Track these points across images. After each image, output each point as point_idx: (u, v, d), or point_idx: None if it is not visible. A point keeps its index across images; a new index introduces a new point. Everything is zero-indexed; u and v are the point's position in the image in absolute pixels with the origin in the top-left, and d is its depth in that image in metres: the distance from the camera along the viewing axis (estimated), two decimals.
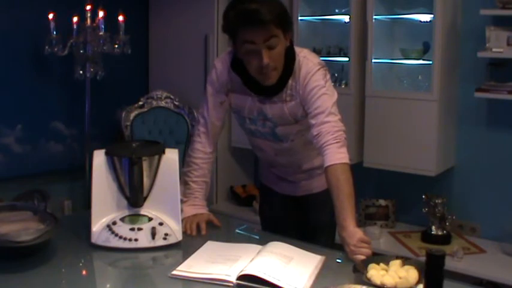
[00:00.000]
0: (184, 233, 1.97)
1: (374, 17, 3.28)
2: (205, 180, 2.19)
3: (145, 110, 3.95)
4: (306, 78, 1.98)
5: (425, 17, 3.27)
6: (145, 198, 1.94)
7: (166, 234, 1.89)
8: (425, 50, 3.30)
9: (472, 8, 3.14)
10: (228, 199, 4.10)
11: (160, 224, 1.90)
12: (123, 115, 3.89)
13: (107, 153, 1.94)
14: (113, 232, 1.86)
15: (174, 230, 1.91)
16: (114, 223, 1.88)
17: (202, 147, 2.18)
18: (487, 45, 3.01)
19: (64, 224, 1.94)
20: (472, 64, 3.22)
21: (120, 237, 1.86)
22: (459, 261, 2.97)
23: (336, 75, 3.59)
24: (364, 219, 3.50)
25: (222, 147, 3.90)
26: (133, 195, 1.92)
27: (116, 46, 3.66)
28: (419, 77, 3.36)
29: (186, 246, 1.89)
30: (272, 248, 1.77)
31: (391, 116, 3.28)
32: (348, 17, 3.42)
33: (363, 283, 1.55)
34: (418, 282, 1.55)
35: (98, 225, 1.88)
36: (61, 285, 1.65)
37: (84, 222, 1.94)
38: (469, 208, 3.35)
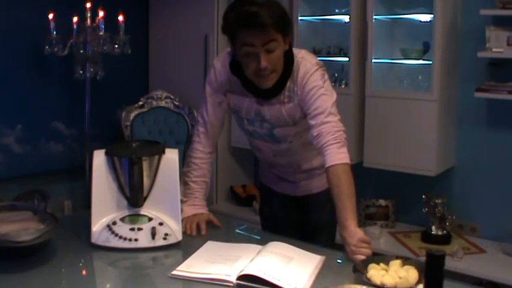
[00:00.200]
0: (184, 233, 1.97)
1: (374, 17, 3.28)
2: (205, 180, 2.19)
3: (145, 110, 3.95)
4: (304, 79, 1.97)
5: (425, 17, 3.27)
6: (145, 198, 1.94)
7: (166, 234, 1.89)
8: (425, 50, 3.30)
9: (472, 8, 3.14)
10: (228, 199, 4.10)
11: (160, 224, 1.90)
12: (123, 115, 3.89)
13: (107, 153, 1.94)
14: (113, 232, 1.86)
15: (174, 230, 1.91)
16: (114, 223, 1.88)
17: (201, 147, 2.18)
18: (487, 45, 3.01)
19: (64, 224, 1.94)
20: (472, 64, 3.22)
21: (120, 237, 1.86)
22: (459, 261, 2.97)
23: (336, 75, 3.59)
24: (364, 219, 3.50)
25: (222, 147, 3.90)
26: (133, 195, 1.92)
27: (116, 46, 3.66)
28: (419, 77, 3.36)
29: (186, 246, 1.89)
30: (272, 248, 1.77)
31: (391, 116, 3.28)
32: (348, 17, 3.42)
33: (363, 283, 1.55)
34: (418, 282, 1.55)
35: (98, 225, 1.88)
36: (61, 285, 1.65)
37: (84, 222, 1.94)
38: (469, 208, 3.35)
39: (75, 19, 3.55)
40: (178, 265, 1.71)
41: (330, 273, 1.70)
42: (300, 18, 3.56)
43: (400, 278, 1.56)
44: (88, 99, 3.79)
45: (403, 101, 3.25)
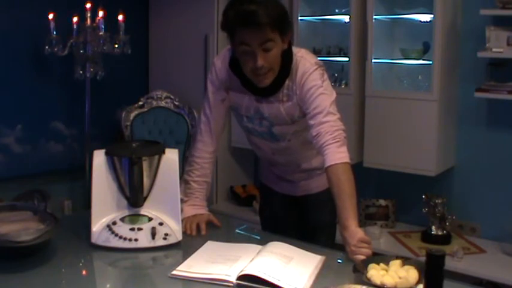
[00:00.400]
0: (184, 233, 1.97)
1: (374, 17, 3.28)
2: (206, 180, 2.19)
3: (145, 110, 3.95)
4: (303, 78, 1.97)
5: (425, 17, 3.27)
6: (145, 198, 1.94)
7: (166, 234, 1.89)
8: (425, 50, 3.30)
9: (472, 8, 3.14)
10: (228, 199, 4.10)
11: (160, 224, 1.90)
12: (123, 115, 3.89)
13: (107, 153, 1.94)
14: (113, 232, 1.86)
15: (174, 230, 1.91)
16: (114, 223, 1.88)
17: (204, 147, 2.17)
18: (487, 45, 3.01)
19: (64, 224, 1.94)
20: (472, 64, 3.22)
21: (120, 237, 1.86)
22: (459, 261, 2.97)
23: (336, 75, 3.59)
24: (364, 219, 3.50)
25: (222, 147, 3.90)
26: (133, 195, 1.92)
27: (116, 46, 3.66)
28: (419, 77, 3.36)
29: (186, 246, 1.89)
30: (272, 248, 1.77)
31: (391, 116, 3.28)
32: (348, 17, 3.42)
33: (363, 283, 1.55)
34: (418, 282, 1.55)
35: (98, 225, 1.88)
36: (61, 285, 1.65)
37: (84, 222, 1.94)
38: (469, 208, 3.35)
39: (75, 19, 3.55)
40: (178, 265, 1.71)
41: (330, 273, 1.70)
42: (300, 18, 3.57)
43: (400, 278, 1.56)
44: (88, 99, 3.79)
45: (403, 101, 3.25)
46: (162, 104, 3.97)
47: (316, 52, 3.51)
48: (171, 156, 1.97)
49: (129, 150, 1.93)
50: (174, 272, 1.66)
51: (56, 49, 3.52)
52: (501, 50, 2.97)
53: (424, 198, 3.26)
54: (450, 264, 2.87)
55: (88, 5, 3.57)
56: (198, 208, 2.14)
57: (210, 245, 1.90)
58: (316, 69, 1.98)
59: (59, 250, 1.82)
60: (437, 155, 3.19)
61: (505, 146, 3.22)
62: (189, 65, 4.02)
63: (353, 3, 3.35)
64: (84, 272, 1.77)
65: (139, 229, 1.88)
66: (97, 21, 3.57)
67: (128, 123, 3.90)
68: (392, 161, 3.31)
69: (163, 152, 1.97)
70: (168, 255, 1.86)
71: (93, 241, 1.86)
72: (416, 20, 3.35)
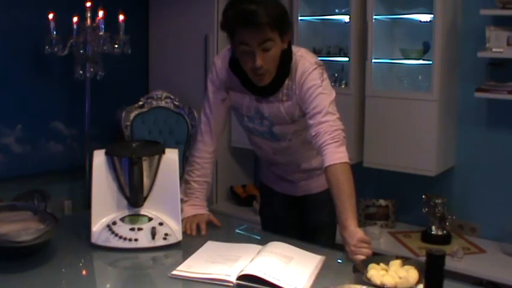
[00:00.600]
0: (184, 233, 1.97)
1: (374, 17, 3.28)
2: (206, 180, 2.19)
3: (145, 110, 3.95)
4: (303, 77, 1.97)
5: (425, 17, 3.27)
6: (145, 198, 1.94)
7: (166, 234, 1.89)
8: (425, 50, 3.30)
9: (472, 8, 3.14)
10: (228, 199, 4.10)
11: (160, 224, 1.90)
12: (123, 115, 3.89)
13: (107, 153, 1.94)
14: (113, 232, 1.86)
15: (174, 230, 1.91)
16: (114, 223, 1.88)
17: (204, 147, 2.17)
18: (487, 45, 3.01)
19: (64, 224, 1.94)
20: (472, 64, 3.22)
21: (120, 237, 1.86)
22: (459, 261, 2.97)
23: (336, 75, 3.59)
24: (364, 219, 3.49)
25: (222, 147, 3.89)
26: (133, 195, 1.92)
27: (116, 46, 3.66)
28: (419, 77, 3.36)
29: (186, 246, 1.89)
30: (272, 248, 1.77)
31: (391, 116, 3.28)
32: (348, 17, 3.42)
33: (363, 283, 1.55)
34: (418, 282, 1.55)
35: (98, 225, 1.88)
36: (61, 285, 1.65)
37: (84, 222, 1.94)
38: (469, 208, 3.35)
39: (75, 19, 3.55)
40: (178, 265, 1.71)
41: (330, 273, 1.70)
42: (300, 18, 3.57)
43: (400, 278, 1.56)
44: (88, 99, 3.79)
45: (403, 101, 3.25)
46: (162, 104, 3.97)
47: (316, 52, 3.51)
48: (171, 156, 1.97)
49: (129, 150, 1.93)
50: (174, 272, 1.66)
51: (56, 49, 3.52)
52: (501, 50, 2.97)
53: (424, 198, 3.26)
54: (450, 264, 2.87)
55: (88, 5, 3.57)
56: (198, 208, 2.14)
57: (210, 245, 1.90)
58: (316, 68, 1.98)
59: (59, 250, 1.82)
60: (437, 155, 3.19)
61: (505, 146, 3.22)
62: (189, 65, 4.02)
63: (353, 3, 3.35)
64: (84, 272, 1.77)
65: (139, 229, 1.88)
66: (97, 21, 3.56)
67: (128, 123, 3.90)
68: (392, 161, 3.30)
69: (163, 152, 1.97)
70: (168, 255, 1.86)
71: (93, 241, 1.86)
72: (416, 20, 3.35)
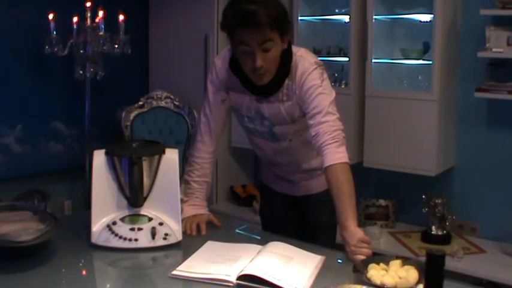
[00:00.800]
0: (184, 233, 1.97)
1: (374, 17, 3.28)
2: (206, 180, 2.19)
3: (145, 110, 3.95)
4: (302, 77, 1.97)
5: (425, 17, 3.27)
6: (145, 198, 1.94)
7: (166, 234, 1.89)
8: (425, 50, 3.30)
9: (472, 8, 3.14)
10: (228, 199, 4.10)
11: (160, 224, 1.90)
12: (123, 115, 3.89)
13: (107, 153, 1.94)
14: (113, 232, 1.86)
15: (174, 230, 1.91)
16: (114, 223, 1.88)
17: (204, 147, 2.18)
18: (487, 45, 3.01)
19: (64, 224, 1.94)
20: (472, 64, 3.22)
21: (120, 237, 1.86)
22: (459, 261, 2.97)
23: (336, 75, 3.59)
24: (364, 219, 3.49)
25: (222, 147, 3.89)
26: (133, 195, 1.92)
27: (116, 46, 3.66)
28: (419, 77, 3.36)
29: (186, 246, 1.89)
30: (272, 248, 1.77)
31: (391, 116, 3.28)
32: (348, 17, 3.42)
33: (363, 283, 1.55)
34: (418, 282, 1.55)
35: (98, 225, 1.88)
36: (61, 285, 1.65)
37: (84, 222, 1.94)
38: (469, 208, 3.35)
39: (75, 19, 3.55)
40: (178, 265, 1.71)
41: (330, 273, 1.70)
42: (300, 18, 3.57)
43: (400, 278, 1.56)
44: (88, 99, 3.79)
45: (403, 101, 3.25)
46: (162, 104, 3.97)
47: (316, 52, 3.51)
48: (171, 156, 1.97)
49: (129, 150, 1.93)
50: (174, 272, 1.66)
51: (56, 49, 3.52)
52: (501, 50, 2.97)
53: (424, 198, 3.26)
54: (450, 264, 2.87)
55: (88, 5, 3.57)
56: (198, 208, 2.14)
57: (210, 245, 1.90)
58: (316, 68, 1.98)
59: (59, 250, 1.82)
60: (437, 155, 3.19)
61: (505, 146, 3.22)
62: (189, 65, 4.02)
63: (353, 3, 3.35)
64: (84, 272, 1.77)
65: (140, 229, 1.88)
66: (97, 21, 3.56)
67: (128, 123, 3.90)
68: (392, 161, 3.31)
69: (163, 152, 1.97)
70: (168, 255, 1.86)
71: (93, 241, 1.86)
72: (416, 20, 3.35)
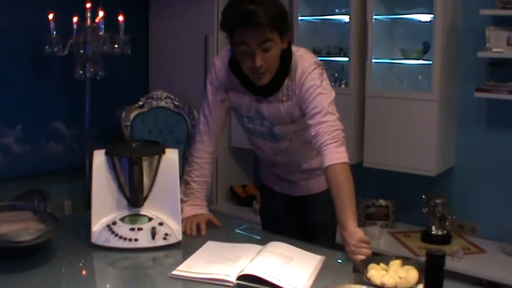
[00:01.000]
0: (184, 233, 1.97)
1: (374, 17, 3.28)
2: (206, 180, 2.19)
3: (145, 110, 3.96)
4: (302, 77, 1.97)
5: (425, 17, 3.27)
6: (145, 198, 1.94)
7: (166, 234, 1.89)
8: (425, 50, 3.30)
9: (472, 8, 3.14)
10: (228, 199, 4.10)
11: (160, 224, 1.90)
12: (123, 115, 3.89)
13: (107, 153, 1.94)
14: (113, 232, 1.86)
15: (174, 230, 1.91)
16: (114, 223, 1.88)
17: (203, 147, 2.18)
18: (487, 45, 3.01)
19: (64, 224, 1.94)
20: (472, 64, 3.22)
21: (120, 237, 1.86)
22: (459, 261, 2.97)
23: (336, 75, 3.59)
24: (364, 219, 3.50)
25: (222, 147, 3.90)
26: (133, 195, 1.92)
27: (116, 46, 3.66)
28: (419, 77, 3.36)
29: (186, 246, 1.89)
30: (272, 248, 1.77)
31: (391, 116, 3.28)
32: (348, 17, 3.42)
33: (363, 283, 1.55)
34: (418, 282, 1.55)
35: (98, 225, 1.88)
36: (61, 285, 1.65)
37: (84, 222, 1.94)
38: (469, 208, 3.35)
39: (75, 19, 3.55)
40: (178, 265, 1.71)
41: (330, 273, 1.70)
42: (300, 18, 3.57)
43: (400, 278, 1.56)
44: (88, 99, 3.79)
45: (403, 101, 3.25)
46: (162, 104, 3.97)
47: (316, 52, 3.51)
48: (171, 156, 1.97)
49: (129, 150, 1.93)
50: (174, 272, 1.66)
51: (56, 49, 3.52)
52: (501, 50, 2.97)
53: (424, 198, 3.26)
54: (450, 264, 2.87)
55: (88, 5, 3.57)
56: (198, 208, 2.14)
57: (210, 245, 1.90)
58: (315, 68, 1.98)
59: (59, 250, 1.82)
60: (437, 155, 3.19)
61: (505, 146, 3.22)
62: (189, 65, 4.02)
63: (353, 3, 3.35)
64: (84, 272, 1.77)
65: (140, 229, 1.88)
66: (97, 21, 3.56)
67: (128, 123, 3.90)
68: (392, 161, 3.31)
69: (163, 152, 1.97)
70: (168, 255, 1.86)
71: (93, 241, 1.86)
72: (416, 20, 3.35)
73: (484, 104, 3.25)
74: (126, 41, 3.67)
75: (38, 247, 1.75)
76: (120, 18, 3.63)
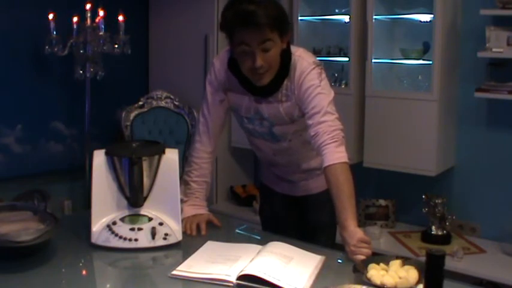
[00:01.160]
0: (184, 233, 1.97)
1: (374, 17, 3.28)
2: (205, 180, 2.19)
3: (145, 110, 3.96)
4: (301, 77, 1.97)
5: (425, 17, 3.27)
6: (145, 198, 1.94)
7: (166, 234, 1.89)
8: (425, 50, 3.30)
9: (472, 8, 3.14)
10: (228, 199, 4.10)
11: (160, 224, 1.90)
12: (123, 115, 3.90)
13: (107, 153, 1.94)
14: (113, 232, 1.86)
15: (174, 230, 1.91)
16: (114, 223, 1.88)
17: (202, 147, 2.18)
18: (487, 45, 3.01)
19: (64, 224, 1.94)
20: (472, 64, 3.22)
21: (120, 237, 1.86)
22: (459, 261, 2.97)
23: (336, 75, 3.59)
24: (364, 219, 3.50)
25: (222, 147, 3.90)
26: (133, 195, 1.92)
27: (116, 46, 3.66)
28: (419, 77, 3.36)
29: (186, 246, 1.89)
30: (272, 248, 1.77)
31: (391, 116, 3.28)
32: (348, 17, 3.42)
33: (363, 283, 1.55)
34: (418, 282, 1.55)
35: (98, 225, 1.88)
36: (61, 285, 1.65)
37: (84, 222, 1.94)
38: (469, 208, 3.35)
39: (75, 19, 3.55)
40: (178, 265, 1.71)
41: (330, 273, 1.70)
42: (300, 18, 3.57)
43: (400, 278, 1.56)
44: (88, 99, 3.79)
45: (403, 101, 3.25)
46: (162, 104, 3.97)
47: (316, 52, 3.52)
48: (171, 156, 1.97)
49: (129, 150, 1.93)
50: (174, 272, 1.66)
51: (56, 49, 3.52)
52: (501, 50, 2.97)
53: (424, 198, 3.26)
54: (450, 264, 2.87)
55: (88, 5, 3.57)
56: (198, 208, 2.14)
57: (210, 245, 1.90)
58: (314, 68, 1.98)
59: (59, 250, 1.82)
60: (437, 155, 3.19)
61: (505, 146, 3.22)
62: (189, 65, 4.02)
63: (353, 3, 3.35)
64: (84, 272, 1.77)
65: (140, 229, 1.88)
66: (97, 21, 3.56)
67: (128, 123, 3.90)
68: (392, 161, 3.31)
69: (163, 152, 1.97)
70: (168, 255, 1.86)
71: (93, 241, 1.86)
72: (416, 20, 3.35)
73: (484, 104, 3.25)
74: (126, 41, 3.67)
75: (38, 247, 1.75)
76: (120, 18, 3.63)
